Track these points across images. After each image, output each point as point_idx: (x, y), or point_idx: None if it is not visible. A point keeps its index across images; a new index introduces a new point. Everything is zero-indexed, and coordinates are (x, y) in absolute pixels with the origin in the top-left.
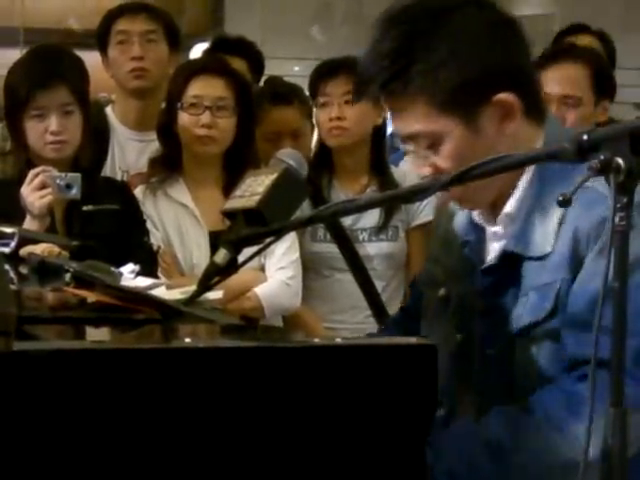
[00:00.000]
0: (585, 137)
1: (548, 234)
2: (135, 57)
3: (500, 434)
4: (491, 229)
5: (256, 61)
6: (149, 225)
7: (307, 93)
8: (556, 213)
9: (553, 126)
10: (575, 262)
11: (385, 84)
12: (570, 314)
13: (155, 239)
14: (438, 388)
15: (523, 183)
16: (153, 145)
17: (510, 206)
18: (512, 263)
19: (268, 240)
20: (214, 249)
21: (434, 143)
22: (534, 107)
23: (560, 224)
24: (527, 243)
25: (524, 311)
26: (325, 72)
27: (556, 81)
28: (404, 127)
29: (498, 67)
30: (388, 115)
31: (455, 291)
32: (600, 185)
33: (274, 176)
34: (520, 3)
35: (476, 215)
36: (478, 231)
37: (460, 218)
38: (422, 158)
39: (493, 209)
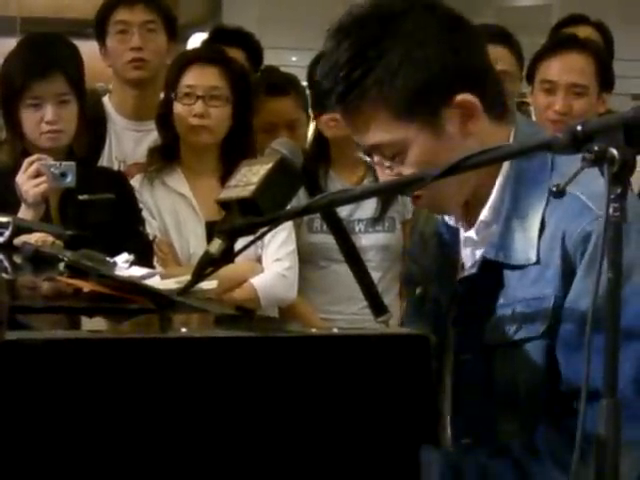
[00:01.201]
0: (579, 128)
1: (530, 241)
2: (134, 47)
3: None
4: (464, 233)
5: (254, 52)
6: (146, 214)
7: (304, 83)
8: (536, 218)
9: (524, 124)
10: (566, 277)
11: (342, 97)
12: (562, 335)
13: (151, 228)
14: (432, 378)
15: (497, 189)
16: (150, 135)
17: (485, 213)
18: (492, 271)
19: (262, 230)
20: (211, 239)
21: (398, 152)
22: (496, 105)
23: (541, 231)
24: (508, 251)
25: (512, 323)
26: None
27: (564, 70)
28: (366, 139)
29: (453, 69)
30: None
31: (431, 291)
32: (582, 193)
33: (269, 166)
34: None
35: (448, 218)
36: (451, 232)
37: (437, 218)
38: (387, 169)
39: (466, 214)
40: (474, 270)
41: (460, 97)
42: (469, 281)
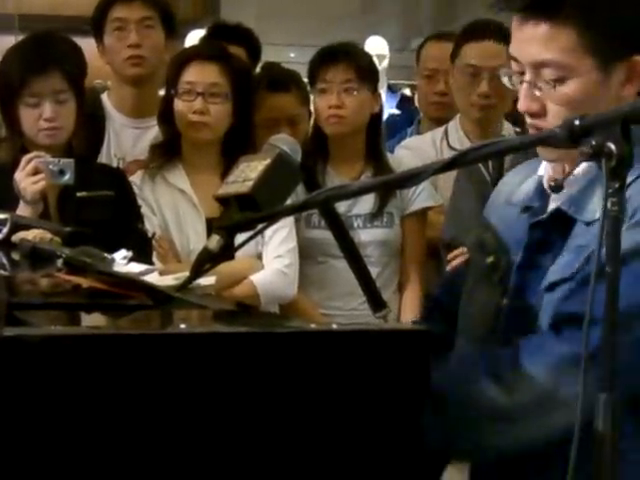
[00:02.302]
0: (577, 122)
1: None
2: (132, 44)
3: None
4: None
5: (253, 48)
6: (147, 210)
7: (305, 79)
8: None
9: None
10: None
11: (535, 4)
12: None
13: (151, 224)
14: (430, 373)
15: None
16: (149, 132)
17: (578, 170)
18: (562, 223)
19: (261, 226)
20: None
21: (561, 78)
22: None
23: None
24: (581, 208)
25: (556, 268)
26: (325, 58)
27: None
28: (540, 52)
29: None
30: (384, 102)
31: (504, 260)
32: None
33: (267, 162)
34: None
35: (546, 182)
36: (544, 198)
37: (527, 187)
38: (536, 91)
39: (563, 174)
40: (544, 216)
41: (637, 58)
42: (538, 227)
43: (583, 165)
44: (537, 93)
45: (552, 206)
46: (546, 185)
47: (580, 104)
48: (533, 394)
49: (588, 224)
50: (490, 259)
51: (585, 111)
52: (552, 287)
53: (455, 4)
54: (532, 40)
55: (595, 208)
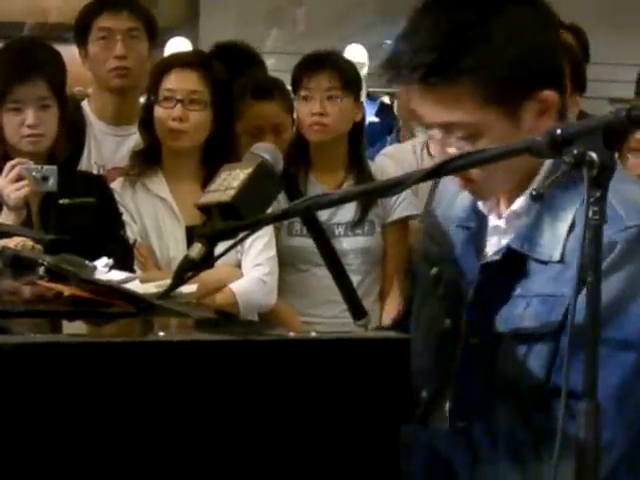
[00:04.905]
0: (559, 131)
1: (557, 238)
2: (118, 56)
3: (462, 455)
4: (493, 221)
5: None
6: (127, 218)
7: (288, 87)
8: (567, 217)
9: None
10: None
11: (432, 72)
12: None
13: (132, 232)
14: (411, 381)
15: (535, 182)
16: (130, 140)
17: (519, 203)
18: (514, 261)
19: (242, 234)
20: (191, 243)
21: (472, 134)
22: (562, 109)
23: (570, 231)
24: (533, 244)
25: (526, 316)
26: (310, 65)
27: None
28: (443, 115)
29: (543, 65)
30: (367, 111)
31: (447, 273)
32: (614, 199)
33: (249, 170)
34: None
35: (480, 203)
36: (480, 219)
37: (462, 202)
38: (451, 147)
39: (498, 203)
40: (497, 257)
41: (547, 93)
42: (490, 267)
43: (520, 200)
44: (450, 150)
45: (492, 234)
46: (480, 205)
47: None
48: None
49: (545, 262)
50: (434, 270)
51: None
52: (525, 336)
53: None
54: (436, 104)
55: (550, 244)
